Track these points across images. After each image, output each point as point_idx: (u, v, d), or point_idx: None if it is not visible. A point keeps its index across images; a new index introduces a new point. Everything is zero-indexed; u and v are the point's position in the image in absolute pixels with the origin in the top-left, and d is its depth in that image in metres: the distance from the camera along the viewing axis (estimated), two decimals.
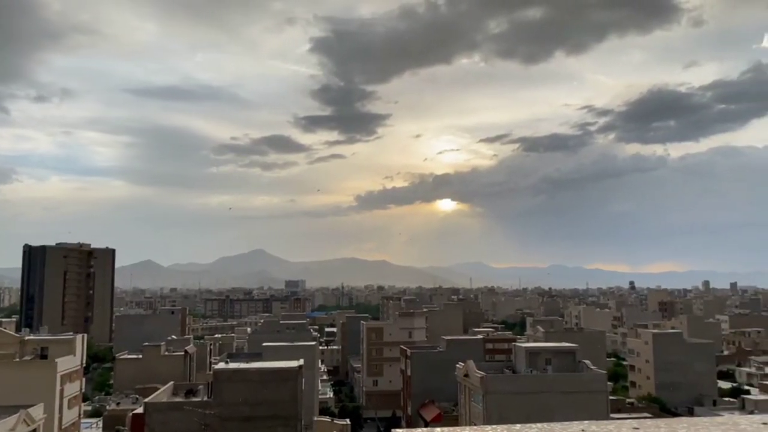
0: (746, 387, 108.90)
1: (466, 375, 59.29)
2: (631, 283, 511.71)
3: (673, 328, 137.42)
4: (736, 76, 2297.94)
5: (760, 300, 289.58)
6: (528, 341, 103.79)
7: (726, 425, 5.41)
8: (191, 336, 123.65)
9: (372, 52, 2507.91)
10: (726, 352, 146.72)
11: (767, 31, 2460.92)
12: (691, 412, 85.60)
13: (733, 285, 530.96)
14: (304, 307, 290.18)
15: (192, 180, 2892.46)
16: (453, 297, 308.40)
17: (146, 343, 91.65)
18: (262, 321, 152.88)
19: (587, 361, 59.46)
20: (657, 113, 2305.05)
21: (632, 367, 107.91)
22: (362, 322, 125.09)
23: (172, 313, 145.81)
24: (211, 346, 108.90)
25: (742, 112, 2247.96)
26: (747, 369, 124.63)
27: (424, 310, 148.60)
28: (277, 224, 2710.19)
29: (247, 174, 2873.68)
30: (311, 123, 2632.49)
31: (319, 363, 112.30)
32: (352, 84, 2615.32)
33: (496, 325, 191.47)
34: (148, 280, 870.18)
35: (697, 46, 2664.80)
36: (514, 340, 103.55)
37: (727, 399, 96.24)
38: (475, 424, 58.16)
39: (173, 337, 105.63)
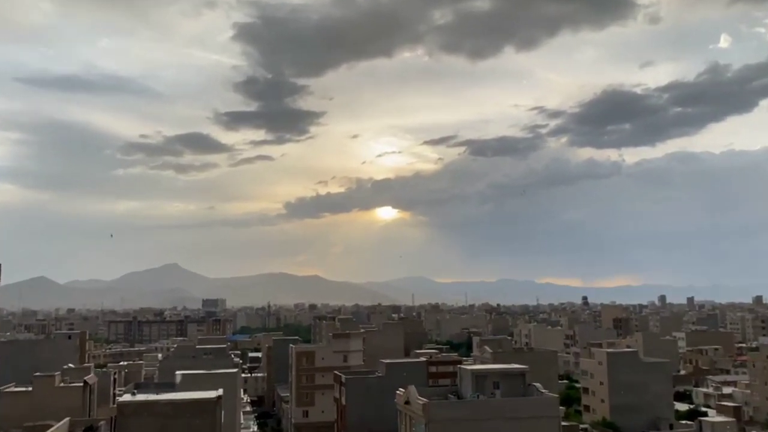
0: (703, 408, 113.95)
1: (407, 402, 59.59)
2: (584, 298, 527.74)
3: (628, 346, 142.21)
4: (693, 78, 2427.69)
5: (718, 315, 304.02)
6: (475, 363, 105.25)
7: None
8: (92, 364, 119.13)
9: (304, 42, 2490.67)
10: (683, 372, 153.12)
11: (724, 32, 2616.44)
12: None
13: (690, 300, 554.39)
14: (224, 329, 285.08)
15: (94, 183, 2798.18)
16: (393, 315, 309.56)
17: (38, 374, 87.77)
18: (175, 346, 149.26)
19: (538, 384, 60.82)
20: (611, 115, 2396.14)
21: (586, 390, 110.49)
22: (291, 345, 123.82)
23: (69, 337, 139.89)
24: (116, 376, 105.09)
25: (699, 116, 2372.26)
26: (704, 389, 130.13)
27: (362, 330, 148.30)
28: (193, 235, 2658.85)
29: (159, 177, 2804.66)
30: (234, 120, 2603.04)
31: (242, 393, 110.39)
32: (281, 77, 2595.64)
33: (440, 346, 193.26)
34: (41, 299, 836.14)
35: (653, 45, 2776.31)
36: (460, 362, 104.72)
37: (684, 422, 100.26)
38: None
39: (70, 365, 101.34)
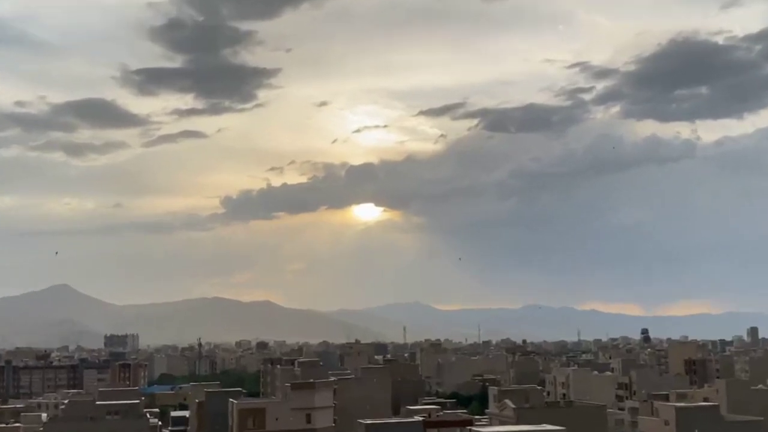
0: None
1: None
2: (645, 331, 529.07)
3: (706, 399, 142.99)
4: None
5: None
6: (492, 424, 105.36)
7: None
8: None
9: None
10: None
11: None
12: None
13: None
14: (136, 377, 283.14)
15: None
16: (377, 357, 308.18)
17: None
18: (66, 402, 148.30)
19: None
20: (682, 75, 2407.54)
21: None
22: (232, 400, 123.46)
23: None
24: None
25: None
26: None
27: (332, 379, 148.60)
28: (92, 244, 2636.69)
29: (42, 161, 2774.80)
30: (150, 80, 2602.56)
31: None
32: (217, 19, 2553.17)
33: (443, 400, 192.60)
34: None
35: None
36: (471, 423, 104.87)
37: None
38: None
39: None
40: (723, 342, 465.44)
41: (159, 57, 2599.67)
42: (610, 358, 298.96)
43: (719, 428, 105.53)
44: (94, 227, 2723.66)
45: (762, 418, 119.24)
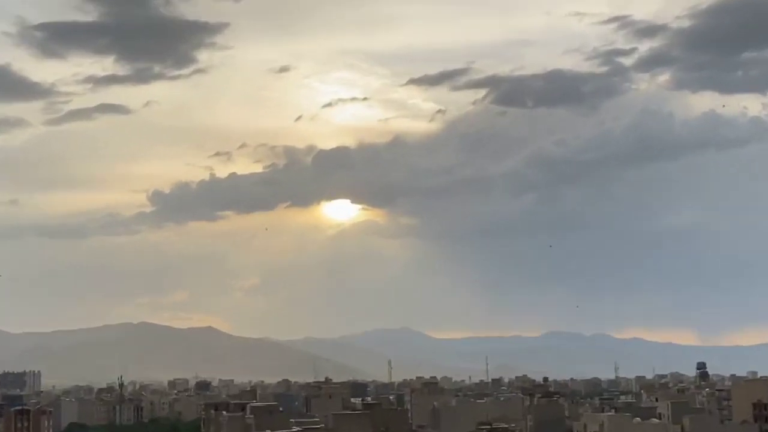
0: None
1: None
2: (701, 365, 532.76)
3: None
4: None
5: None
6: None
7: None
8: None
9: None
10: None
11: None
12: None
13: None
14: (37, 427, 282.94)
15: None
16: (354, 400, 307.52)
17: None
18: None
19: None
20: (751, 34, 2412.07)
21: None
22: None
23: None
24: None
25: None
26: None
27: (295, 429, 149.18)
28: None
29: None
30: (57, 38, 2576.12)
31: None
32: None
33: None
34: None
35: None
36: None
37: None
38: None
39: None
40: None
41: (68, 8, 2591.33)
42: (657, 400, 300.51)
43: None
44: None
45: None
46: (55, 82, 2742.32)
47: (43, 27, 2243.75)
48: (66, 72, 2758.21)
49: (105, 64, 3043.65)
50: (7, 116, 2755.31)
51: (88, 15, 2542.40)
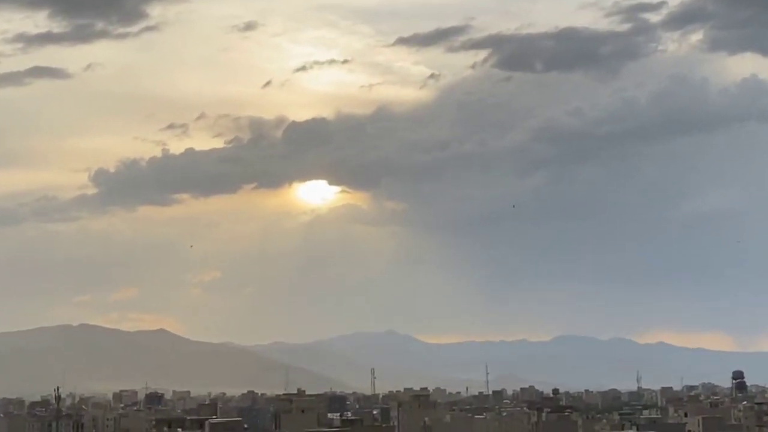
0: None
1: None
2: (738, 375, 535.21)
3: None
4: None
5: None
6: None
7: None
8: None
9: None
10: None
11: None
12: None
13: None
14: None
15: None
16: (331, 416, 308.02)
17: None
18: None
19: None
20: None
21: None
22: None
23: None
24: None
25: None
26: None
27: None
28: None
29: None
30: None
31: None
32: None
33: None
34: None
35: None
36: None
37: None
38: None
39: None
40: None
41: None
42: (687, 415, 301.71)
43: None
44: None
45: None
46: None
47: None
48: None
49: (38, 20, 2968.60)
50: None
51: None
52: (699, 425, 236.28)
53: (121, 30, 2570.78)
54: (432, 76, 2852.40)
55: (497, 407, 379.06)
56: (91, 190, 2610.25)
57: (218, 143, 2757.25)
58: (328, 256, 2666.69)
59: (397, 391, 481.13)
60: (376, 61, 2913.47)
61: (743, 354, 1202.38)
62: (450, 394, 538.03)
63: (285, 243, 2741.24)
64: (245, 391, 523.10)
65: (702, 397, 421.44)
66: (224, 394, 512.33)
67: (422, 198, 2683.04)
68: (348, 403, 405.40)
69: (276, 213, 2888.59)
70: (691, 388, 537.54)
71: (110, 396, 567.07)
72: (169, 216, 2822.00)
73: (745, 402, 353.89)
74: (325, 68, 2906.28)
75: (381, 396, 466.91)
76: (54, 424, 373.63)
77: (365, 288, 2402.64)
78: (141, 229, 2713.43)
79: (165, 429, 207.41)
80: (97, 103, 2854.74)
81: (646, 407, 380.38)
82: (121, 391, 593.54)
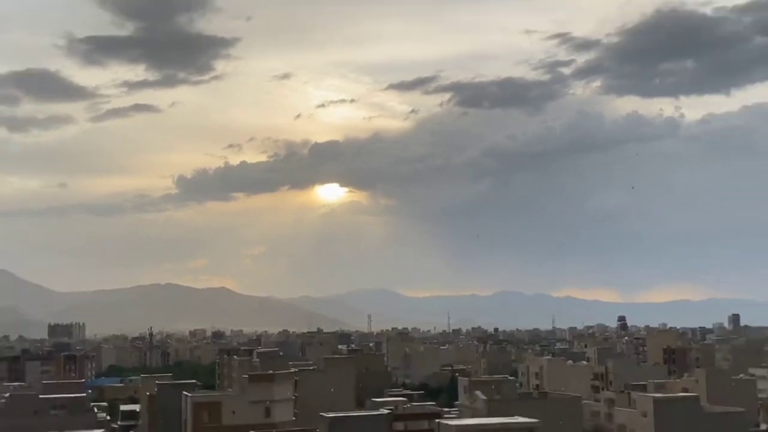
0: None
1: None
2: (622, 319, 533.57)
3: (685, 389, 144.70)
4: None
5: None
6: (462, 416, 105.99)
7: None
8: None
9: None
10: (764, 426, 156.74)
11: None
12: None
13: None
14: (82, 370, 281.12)
15: None
16: (341, 347, 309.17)
17: None
18: (7, 395, 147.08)
19: None
20: (667, 49, 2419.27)
21: None
22: (185, 393, 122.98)
23: None
24: None
25: None
26: None
27: (293, 370, 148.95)
28: (34, 226, 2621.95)
29: None
30: (98, 49, 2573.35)
31: None
32: None
33: (411, 392, 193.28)
34: None
35: None
36: (440, 416, 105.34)
37: None
38: None
39: None
40: (703, 330, 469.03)
41: (107, 24, 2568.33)
42: (586, 347, 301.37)
43: (699, 420, 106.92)
44: (37, 208, 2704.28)
45: (743, 409, 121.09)
46: (96, 86, 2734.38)
47: (87, 40, 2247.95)
48: (105, 78, 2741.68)
49: (137, 71, 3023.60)
50: (57, 114, 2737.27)
51: (124, 30, 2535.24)
52: (595, 353, 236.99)
53: (196, 78, 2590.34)
54: (412, 111, 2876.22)
55: (456, 341, 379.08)
56: (174, 191, 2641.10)
57: (263, 158, 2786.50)
58: (339, 236, 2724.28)
59: (386, 330, 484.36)
60: (373, 101, 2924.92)
61: (625, 305, 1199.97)
62: (423, 332, 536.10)
63: (309, 227, 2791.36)
64: (281, 330, 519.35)
65: (597, 335, 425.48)
66: (266, 331, 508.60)
67: (406, 196, 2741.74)
68: (352, 338, 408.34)
69: (302, 206, 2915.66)
70: (590, 328, 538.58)
71: (187, 333, 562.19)
72: (228, 208, 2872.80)
73: (626, 338, 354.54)
74: (337, 106, 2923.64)
75: (375, 333, 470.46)
76: (148, 353, 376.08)
77: (365, 259, 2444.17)
78: (209, 218, 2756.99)
79: (225, 356, 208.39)
80: (178, 130, 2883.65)
81: (558, 341, 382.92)
82: (195, 330, 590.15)
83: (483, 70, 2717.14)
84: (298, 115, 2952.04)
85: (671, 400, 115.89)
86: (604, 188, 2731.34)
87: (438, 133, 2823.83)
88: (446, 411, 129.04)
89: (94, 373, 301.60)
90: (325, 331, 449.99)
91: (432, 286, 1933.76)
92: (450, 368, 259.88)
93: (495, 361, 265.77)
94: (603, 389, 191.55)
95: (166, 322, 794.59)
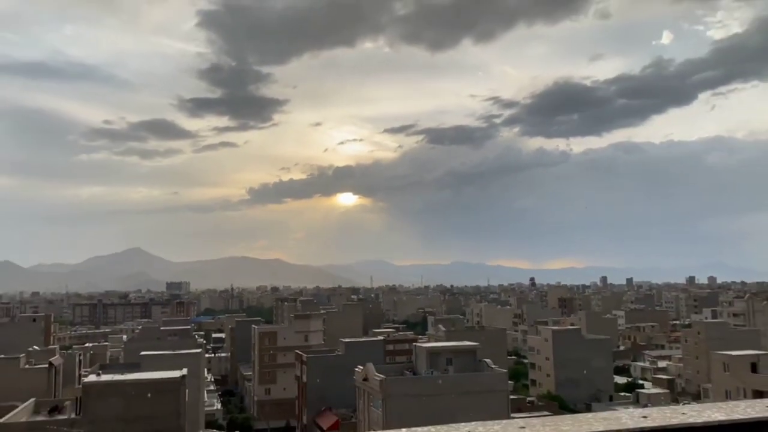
0: (641, 381, 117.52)
1: (365, 379, 59.87)
2: (532, 279, 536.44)
3: (572, 324, 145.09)
4: (639, 71, 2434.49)
5: (654, 295, 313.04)
6: (429, 341, 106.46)
7: (609, 420, 5.81)
8: (57, 346, 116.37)
9: (268, 30, 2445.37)
10: (622, 347, 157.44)
11: (667, 29, 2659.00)
12: (588, 408, 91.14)
13: (629, 281, 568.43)
14: (188, 311, 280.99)
15: (58, 169, 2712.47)
16: (353, 297, 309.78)
17: (2, 356, 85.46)
18: (140, 327, 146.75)
19: (488, 360, 61.82)
20: (561, 106, 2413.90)
21: (533, 365, 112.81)
22: (254, 326, 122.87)
23: (34, 320, 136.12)
24: (81, 357, 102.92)
25: (643, 108, 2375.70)
26: (641, 363, 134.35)
27: (322, 311, 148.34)
28: (157, 219, 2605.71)
29: (123, 163, 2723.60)
30: (198, 106, 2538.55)
31: (206, 372, 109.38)
32: (245, 64, 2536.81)
33: (397, 326, 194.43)
34: (6, 283, 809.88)
35: (602, 40, 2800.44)
36: (415, 341, 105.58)
37: (622, 394, 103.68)
38: (374, 430, 58.93)
39: (35, 347, 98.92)
40: (584, 286, 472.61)
41: (204, 90, 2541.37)
42: (509, 297, 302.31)
43: (581, 344, 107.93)
44: (158, 208, 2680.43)
45: (609, 337, 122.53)
46: (197, 130, 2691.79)
47: (191, 100, 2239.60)
48: (203, 124, 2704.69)
49: (223, 120, 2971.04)
50: (172, 148, 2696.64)
51: (215, 94, 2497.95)
52: (515, 302, 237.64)
53: (260, 125, 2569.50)
54: (399, 146, 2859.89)
55: (426, 294, 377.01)
56: (246, 197, 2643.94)
57: (303, 176, 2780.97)
58: (353, 227, 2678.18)
59: (382, 286, 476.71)
60: (374, 140, 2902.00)
61: (534, 270, 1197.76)
62: (405, 288, 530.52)
63: (333, 222, 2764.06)
64: (315, 286, 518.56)
65: (516, 289, 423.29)
66: (306, 287, 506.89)
67: (395, 201, 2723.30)
68: (360, 292, 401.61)
69: (328, 208, 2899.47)
70: (512, 285, 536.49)
71: (255, 288, 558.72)
72: (281, 208, 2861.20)
73: (535, 291, 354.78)
74: (352, 143, 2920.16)
75: (374, 288, 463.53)
76: (230, 301, 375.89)
77: (369, 241, 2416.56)
78: (268, 214, 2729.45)
79: (279, 302, 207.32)
80: (249, 158, 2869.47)
81: (492, 293, 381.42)
82: (260, 286, 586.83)
83: (444, 120, 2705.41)
84: (326, 149, 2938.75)
85: (563, 331, 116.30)
86: (522, 196, 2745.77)
87: (415, 161, 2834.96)
88: (420, 337, 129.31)
89: (195, 313, 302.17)
90: (342, 287, 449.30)
91: (411, 258, 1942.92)
92: (423, 310, 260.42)
93: (451, 307, 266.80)
94: (520, 324, 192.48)
95: (242, 281, 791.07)
